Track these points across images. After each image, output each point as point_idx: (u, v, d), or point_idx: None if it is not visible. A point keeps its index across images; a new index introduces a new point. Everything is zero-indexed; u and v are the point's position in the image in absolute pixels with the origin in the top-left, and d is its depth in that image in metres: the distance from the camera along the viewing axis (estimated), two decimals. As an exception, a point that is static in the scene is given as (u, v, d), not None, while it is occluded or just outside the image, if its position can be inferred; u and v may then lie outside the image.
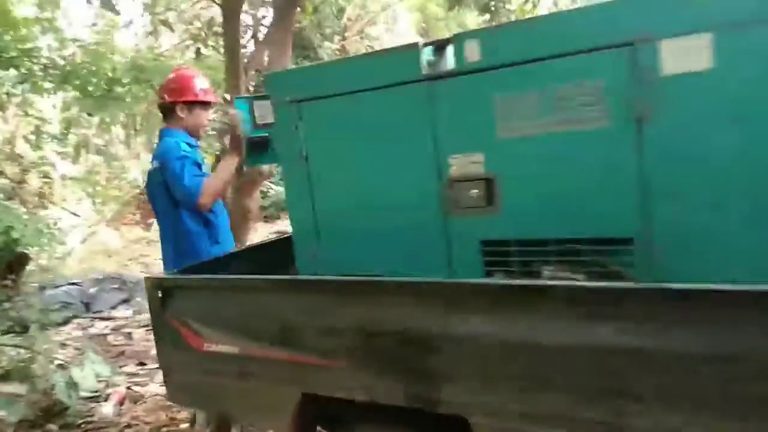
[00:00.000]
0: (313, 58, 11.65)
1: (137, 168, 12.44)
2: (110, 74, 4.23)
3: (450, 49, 1.95)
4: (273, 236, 3.24)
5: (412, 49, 1.85)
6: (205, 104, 2.73)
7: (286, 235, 2.79)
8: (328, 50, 12.78)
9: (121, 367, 4.03)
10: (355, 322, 1.60)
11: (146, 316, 5.39)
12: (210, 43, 6.50)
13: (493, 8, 7.85)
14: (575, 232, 1.68)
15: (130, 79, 4.19)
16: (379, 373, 1.59)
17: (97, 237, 8.78)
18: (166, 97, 2.73)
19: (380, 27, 13.71)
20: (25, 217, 4.27)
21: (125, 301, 5.64)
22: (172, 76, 2.78)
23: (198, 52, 6.31)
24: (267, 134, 2.60)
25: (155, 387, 3.67)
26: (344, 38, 11.87)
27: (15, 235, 3.65)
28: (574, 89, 1.62)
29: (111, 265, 7.62)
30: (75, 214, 10.42)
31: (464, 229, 1.85)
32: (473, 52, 1.75)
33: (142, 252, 8.63)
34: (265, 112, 2.56)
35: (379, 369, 1.58)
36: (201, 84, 2.69)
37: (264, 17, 8.11)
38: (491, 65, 1.72)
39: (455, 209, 1.86)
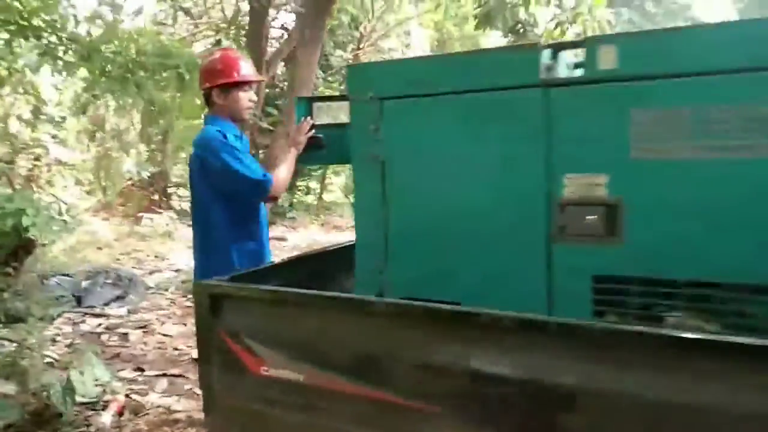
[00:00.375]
0: (323, 65, 11.47)
1: (131, 159, 12.10)
2: (134, 56, 3.96)
3: (563, 55, 1.73)
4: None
5: (531, 50, 1.62)
6: (243, 85, 2.47)
7: (346, 244, 2.55)
8: (339, 59, 12.63)
9: (117, 371, 3.70)
10: (464, 360, 1.34)
11: (143, 317, 5.07)
12: (231, 34, 6.27)
13: (520, 30, 7.73)
14: (714, 275, 1.45)
15: (155, 63, 3.92)
16: (488, 426, 1.33)
17: (86, 227, 8.40)
18: (202, 83, 2.51)
19: (394, 41, 13.58)
20: (41, 203, 3.97)
21: (120, 298, 5.30)
22: (206, 61, 2.57)
23: (218, 42, 6.06)
24: (320, 135, 2.45)
25: (156, 397, 3.36)
26: (359, 48, 11.69)
27: (26, 222, 3.35)
28: (733, 112, 1.39)
29: (102, 258, 7.25)
30: (63, 202, 10.04)
31: (574, 260, 1.61)
32: (609, 58, 1.52)
33: (135, 246, 8.26)
34: (322, 113, 2.45)
35: (489, 421, 1.32)
36: (234, 65, 2.45)
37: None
38: (631, 75, 1.50)
39: (565, 237, 1.62)
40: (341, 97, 2.86)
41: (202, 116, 2.64)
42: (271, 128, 5.89)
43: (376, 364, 1.47)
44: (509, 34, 7.79)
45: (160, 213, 10.64)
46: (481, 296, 1.74)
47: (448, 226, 1.79)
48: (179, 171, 12.08)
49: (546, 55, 1.64)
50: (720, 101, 1.40)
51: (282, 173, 2.42)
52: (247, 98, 2.48)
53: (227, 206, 2.38)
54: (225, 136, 2.35)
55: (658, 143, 1.48)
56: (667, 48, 1.46)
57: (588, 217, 1.58)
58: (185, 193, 11.46)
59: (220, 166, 2.29)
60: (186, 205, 11.20)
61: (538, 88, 1.60)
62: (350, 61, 11.55)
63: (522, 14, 7.70)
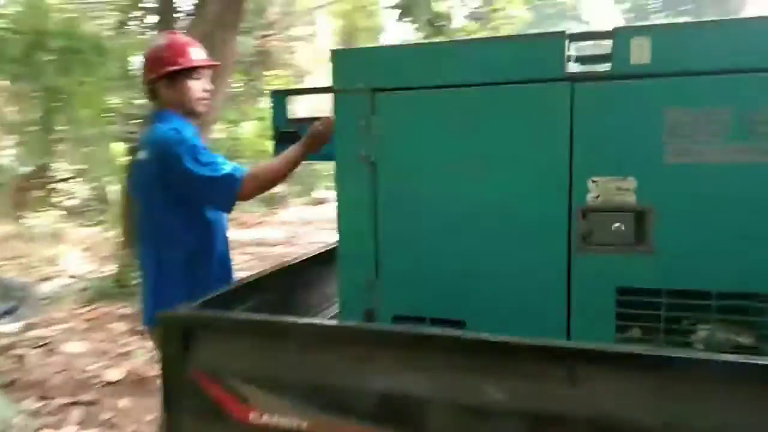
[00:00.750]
0: (227, 52, 10.83)
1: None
2: (36, 37, 3.36)
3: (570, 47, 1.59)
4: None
5: (555, 39, 1.46)
6: (193, 72, 2.10)
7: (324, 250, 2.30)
8: (242, 46, 12.01)
9: (17, 402, 3.17)
10: (521, 400, 1.15)
11: (40, 334, 4.45)
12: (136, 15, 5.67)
13: (437, 24, 7.69)
14: (752, 286, 1.37)
15: (60, 46, 3.36)
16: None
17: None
18: (146, 75, 2.12)
19: (301, 30, 13.16)
20: None
21: (9, 313, 4.62)
22: (148, 49, 2.18)
23: (122, 25, 5.45)
24: (294, 130, 2.25)
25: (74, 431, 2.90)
26: (266, 36, 11.18)
27: None
28: (778, 112, 1.31)
29: (-22, 265, 6.35)
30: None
31: (596, 271, 1.48)
32: (642, 52, 1.39)
33: (18, 251, 7.34)
34: (299, 107, 2.23)
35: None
36: (181, 50, 2.09)
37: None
38: (666, 71, 1.37)
39: (587, 246, 1.48)
40: (322, 89, 2.65)
41: (149, 113, 2.23)
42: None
43: (409, 408, 1.24)
44: (426, 26, 7.72)
45: (46, 211, 9.59)
46: (489, 314, 1.57)
47: (450, 235, 1.59)
48: (65, 165, 10.97)
49: (571, 46, 1.49)
50: (763, 101, 1.31)
51: (264, 168, 2.05)
52: (199, 87, 2.12)
53: (189, 217, 2.02)
54: (180, 133, 2.00)
55: (694, 145, 1.37)
56: (705, 42, 1.35)
57: (614, 225, 1.45)
58: (75, 188, 10.43)
59: (181, 170, 1.93)
60: (73, 203, 10.21)
61: (563, 83, 1.44)
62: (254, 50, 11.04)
63: (439, 7, 7.68)
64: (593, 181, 1.45)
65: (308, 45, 13.56)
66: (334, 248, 2.48)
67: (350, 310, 1.72)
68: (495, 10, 7.64)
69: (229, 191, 1.95)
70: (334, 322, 1.46)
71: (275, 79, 11.77)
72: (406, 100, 1.59)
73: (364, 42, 15.93)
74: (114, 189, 6.63)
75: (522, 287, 1.54)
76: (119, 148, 7.25)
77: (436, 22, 7.69)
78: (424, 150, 1.59)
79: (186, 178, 1.92)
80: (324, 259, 2.28)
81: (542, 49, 1.46)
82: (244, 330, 1.36)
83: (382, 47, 1.57)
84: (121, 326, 4.62)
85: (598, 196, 1.46)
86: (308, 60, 13.41)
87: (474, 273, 1.58)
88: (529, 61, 1.47)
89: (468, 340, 1.24)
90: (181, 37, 2.20)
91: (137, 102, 6.22)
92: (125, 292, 5.22)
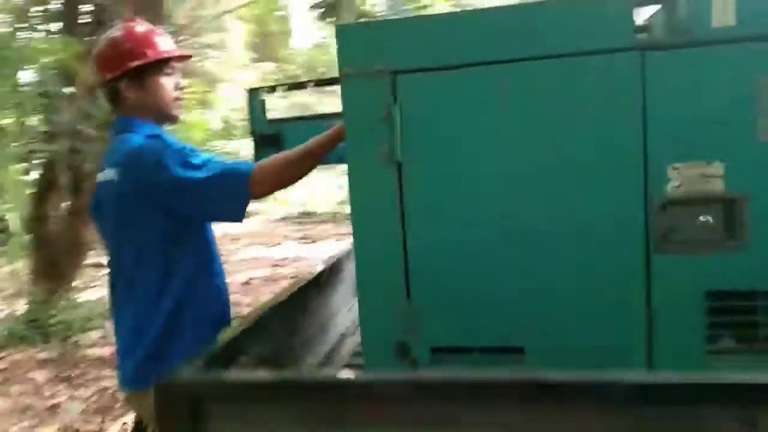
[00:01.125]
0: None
1: None
2: None
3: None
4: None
5: (622, 3, 1.22)
6: (164, 66, 1.67)
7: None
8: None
9: None
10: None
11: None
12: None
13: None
14: None
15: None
16: None
17: None
18: (103, 74, 1.67)
19: (211, 36, 12.51)
20: None
21: None
22: (101, 44, 1.69)
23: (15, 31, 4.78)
24: (275, 132, 2.09)
25: None
26: (177, 41, 10.48)
27: None
28: None
29: None
30: None
31: (681, 274, 1.25)
32: (725, 11, 1.18)
33: None
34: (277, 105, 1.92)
35: None
36: (146, 39, 1.67)
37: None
38: (757, 33, 1.17)
39: (669, 245, 1.25)
40: (298, 85, 2.38)
41: (111, 123, 1.73)
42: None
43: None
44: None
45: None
46: (552, 335, 1.31)
47: (499, 244, 1.32)
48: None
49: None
50: None
51: (284, 155, 1.61)
52: (172, 84, 1.70)
53: (179, 244, 1.58)
54: (159, 139, 1.59)
55: (793, 119, 1.17)
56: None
57: (700, 218, 1.23)
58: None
59: (169, 182, 1.50)
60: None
61: (633, 53, 1.21)
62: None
63: (364, 6, 7.45)
64: (673, 169, 1.23)
65: (219, 51, 12.94)
66: (336, 263, 2.18)
67: (376, 344, 1.41)
68: (420, 8, 7.49)
69: (238, 190, 1.52)
70: (427, 374, 1.15)
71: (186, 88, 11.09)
72: (437, 83, 1.30)
73: (276, 47, 15.45)
74: (15, 215, 5.85)
75: (590, 300, 1.29)
76: (18, 169, 6.43)
77: (362, 21, 7.44)
78: (463, 143, 1.31)
79: (176, 190, 1.51)
80: (322, 281, 1.95)
81: (607, 14, 1.22)
82: (282, 394, 1.01)
83: (404, 19, 1.30)
84: (43, 374, 3.99)
85: (679, 186, 1.23)
86: (220, 67, 12.80)
87: (531, 287, 1.32)
88: (592, 30, 1.22)
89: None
90: (142, 25, 1.73)
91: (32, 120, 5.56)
92: (42, 333, 4.57)
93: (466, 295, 1.35)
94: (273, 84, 2.33)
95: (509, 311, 1.33)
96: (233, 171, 1.54)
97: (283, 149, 1.82)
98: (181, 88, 1.71)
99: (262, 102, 2.20)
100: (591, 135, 1.25)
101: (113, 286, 1.69)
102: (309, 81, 2.42)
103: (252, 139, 2.23)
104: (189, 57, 1.85)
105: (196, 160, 1.54)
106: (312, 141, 1.62)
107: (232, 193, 1.54)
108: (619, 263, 1.27)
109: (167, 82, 1.67)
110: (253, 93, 2.23)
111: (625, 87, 1.22)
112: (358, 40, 1.34)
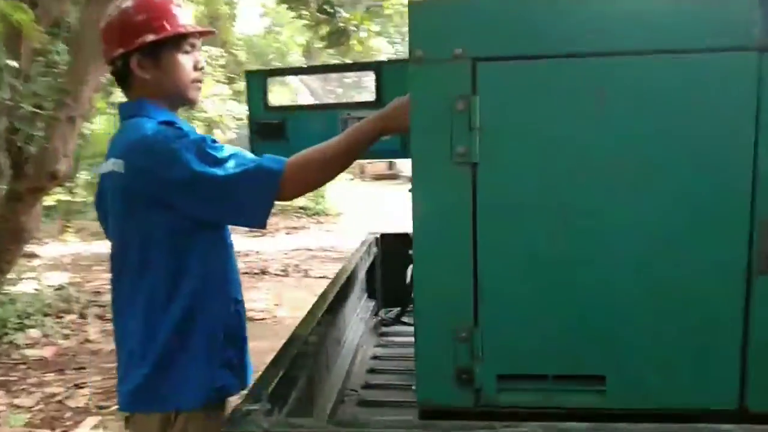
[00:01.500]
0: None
1: None
2: None
3: None
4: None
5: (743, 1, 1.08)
6: (183, 42, 1.42)
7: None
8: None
9: None
10: None
11: None
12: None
13: (330, 11, 7.18)
14: None
15: None
16: None
17: None
18: (112, 48, 1.40)
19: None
20: None
21: None
22: (112, 15, 1.41)
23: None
24: (280, 119, 1.87)
25: None
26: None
27: None
28: None
29: None
30: None
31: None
32: None
33: None
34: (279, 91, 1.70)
35: None
36: (163, 10, 1.41)
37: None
38: None
39: (773, 267, 1.13)
40: (299, 70, 2.12)
41: (119, 107, 1.44)
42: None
43: None
44: (317, 14, 7.18)
45: None
46: (637, 362, 1.18)
47: (582, 261, 1.17)
48: None
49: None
50: None
51: (317, 150, 1.36)
52: (191, 64, 1.45)
53: (191, 248, 1.35)
54: (173, 126, 1.34)
55: None
56: None
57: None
58: None
59: (186, 176, 1.27)
60: None
61: (749, 53, 1.08)
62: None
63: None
64: (786, 182, 1.11)
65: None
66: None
67: (433, 370, 1.23)
68: (387, -1, 7.31)
69: (265, 192, 1.30)
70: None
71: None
72: (525, 74, 1.13)
73: (223, 31, 14.87)
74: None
75: (680, 323, 1.16)
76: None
77: (326, 8, 7.18)
78: (549, 145, 1.15)
79: (194, 185, 1.27)
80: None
81: (722, 8, 1.08)
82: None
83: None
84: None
85: (791, 201, 1.12)
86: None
87: (616, 310, 1.17)
88: (706, 26, 1.09)
89: None
90: None
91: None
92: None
93: (541, 316, 1.19)
94: (280, 67, 2.11)
95: (590, 336, 1.19)
96: (261, 168, 1.31)
97: (287, 141, 1.64)
98: (201, 69, 1.47)
99: (263, 85, 1.97)
100: (697, 143, 1.12)
101: (115, 290, 1.44)
102: (316, 66, 2.21)
103: (249, 128, 2.00)
104: (212, 33, 1.60)
105: (218, 154, 1.31)
106: (350, 137, 1.40)
107: (258, 194, 1.32)
108: (715, 285, 1.15)
109: (186, 61, 1.43)
110: (252, 76, 2.00)
111: (743, 92, 1.09)
112: (434, 19, 1.15)
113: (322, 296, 1.79)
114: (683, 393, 1.18)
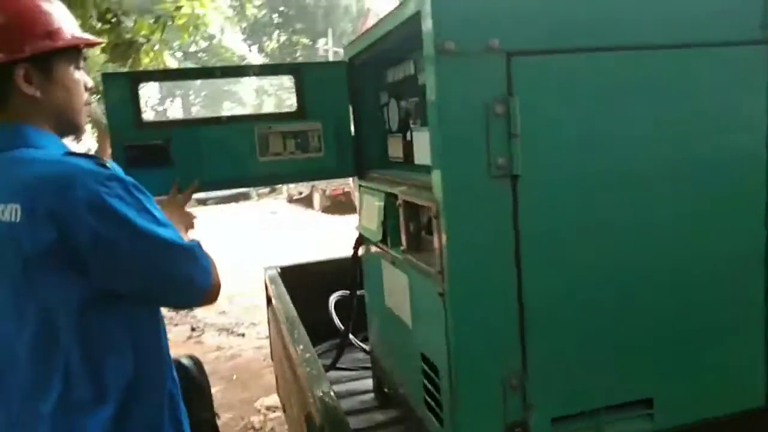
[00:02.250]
0: None
1: None
2: None
3: None
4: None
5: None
6: (74, 54, 0.98)
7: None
8: None
9: None
10: None
11: None
12: None
13: (113, 19, 6.33)
14: None
15: None
16: None
17: None
18: None
19: None
20: None
21: None
22: None
23: None
24: (159, 142, 1.48)
25: None
26: None
27: None
28: None
29: None
30: None
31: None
32: None
33: None
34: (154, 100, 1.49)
35: None
36: (46, 15, 0.94)
37: None
38: None
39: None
40: (176, 73, 1.72)
41: None
42: None
43: None
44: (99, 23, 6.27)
45: None
46: (683, 382, 1.11)
47: (630, 283, 1.06)
48: None
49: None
50: None
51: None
52: (82, 81, 0.97)
53: (119, 324, 0.88)
54: (97, 162, 0.87)
55: None
56: None
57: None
58: None
59: (126, 231, 0.85)
60: None
61: (762, 46, 1.07)
62: None
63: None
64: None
65: None
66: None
67: (476, 427, 1.01)
68: (178, 8, 6.72)
69: (206, 275, 0.98)
70: None
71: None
72: (565, 69, 0.98)
73: None
74: None
75: (717, 337, 1.12)
76: None
77: (108, 17, 6.32)
78: (591, 150, 1.01)
79: (138, 246, 0.84)
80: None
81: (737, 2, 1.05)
82: None
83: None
84: None
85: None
86: None
87: (662, 328, 1.09)
88: (726, 18, 1.05)
89: None
90: None
91: None
92: None
93: (593, 349, 1.05)
94: (152, 69, 1.65)
95: (640, 360, 1.08)
96: (198, 250, 0.97)
97: (172, 166, 1.32)
98: (90, 90, 1.02)
99: (130, 95, 1.50)
100: (723, 140, 1.08)
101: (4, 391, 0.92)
102: (203, 68, 1.78)
103: (114, 154, 1.52)
104: (99, 43, 1.13)
105: (155, 211, 0.93)
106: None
107: (202, 277, 0.97)
108: (736, 305, 1.13)
109: (78, 78, 0.98)
110: (113, 81, 1.51)
111: (757, 84, 1.07)
112: (463, 6, 0.93)
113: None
114: (717, 401, 1.14)
